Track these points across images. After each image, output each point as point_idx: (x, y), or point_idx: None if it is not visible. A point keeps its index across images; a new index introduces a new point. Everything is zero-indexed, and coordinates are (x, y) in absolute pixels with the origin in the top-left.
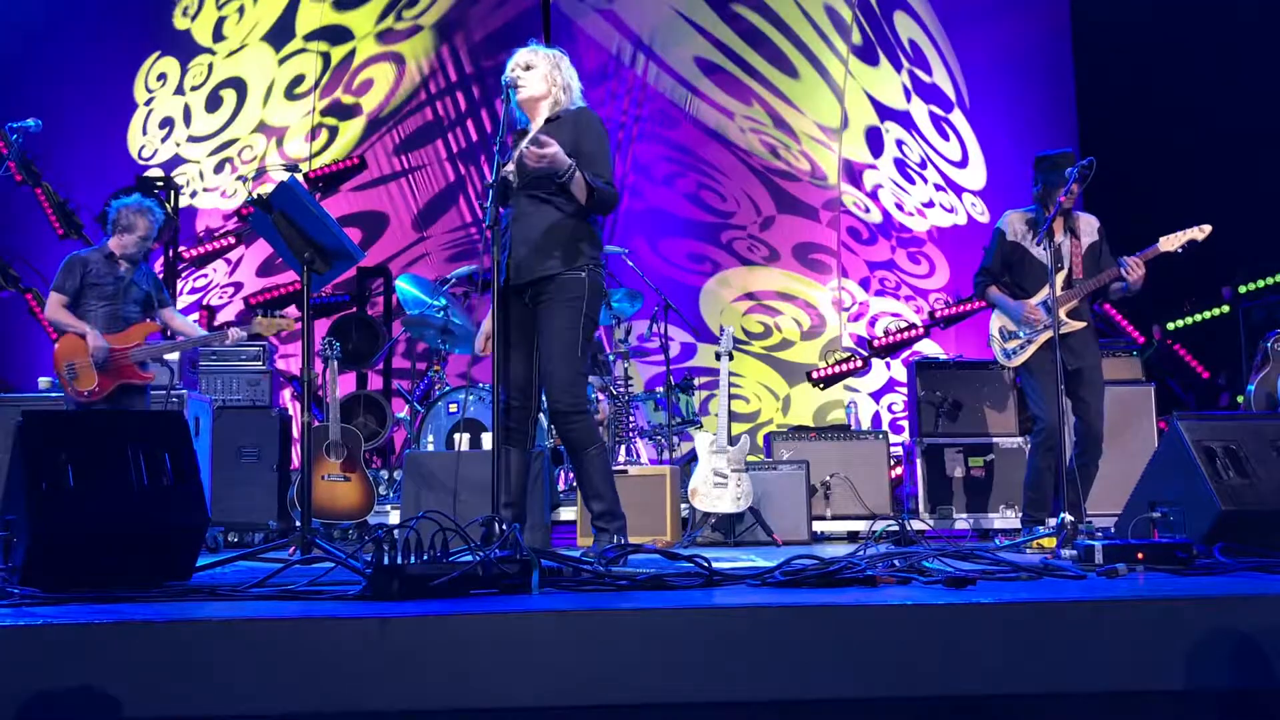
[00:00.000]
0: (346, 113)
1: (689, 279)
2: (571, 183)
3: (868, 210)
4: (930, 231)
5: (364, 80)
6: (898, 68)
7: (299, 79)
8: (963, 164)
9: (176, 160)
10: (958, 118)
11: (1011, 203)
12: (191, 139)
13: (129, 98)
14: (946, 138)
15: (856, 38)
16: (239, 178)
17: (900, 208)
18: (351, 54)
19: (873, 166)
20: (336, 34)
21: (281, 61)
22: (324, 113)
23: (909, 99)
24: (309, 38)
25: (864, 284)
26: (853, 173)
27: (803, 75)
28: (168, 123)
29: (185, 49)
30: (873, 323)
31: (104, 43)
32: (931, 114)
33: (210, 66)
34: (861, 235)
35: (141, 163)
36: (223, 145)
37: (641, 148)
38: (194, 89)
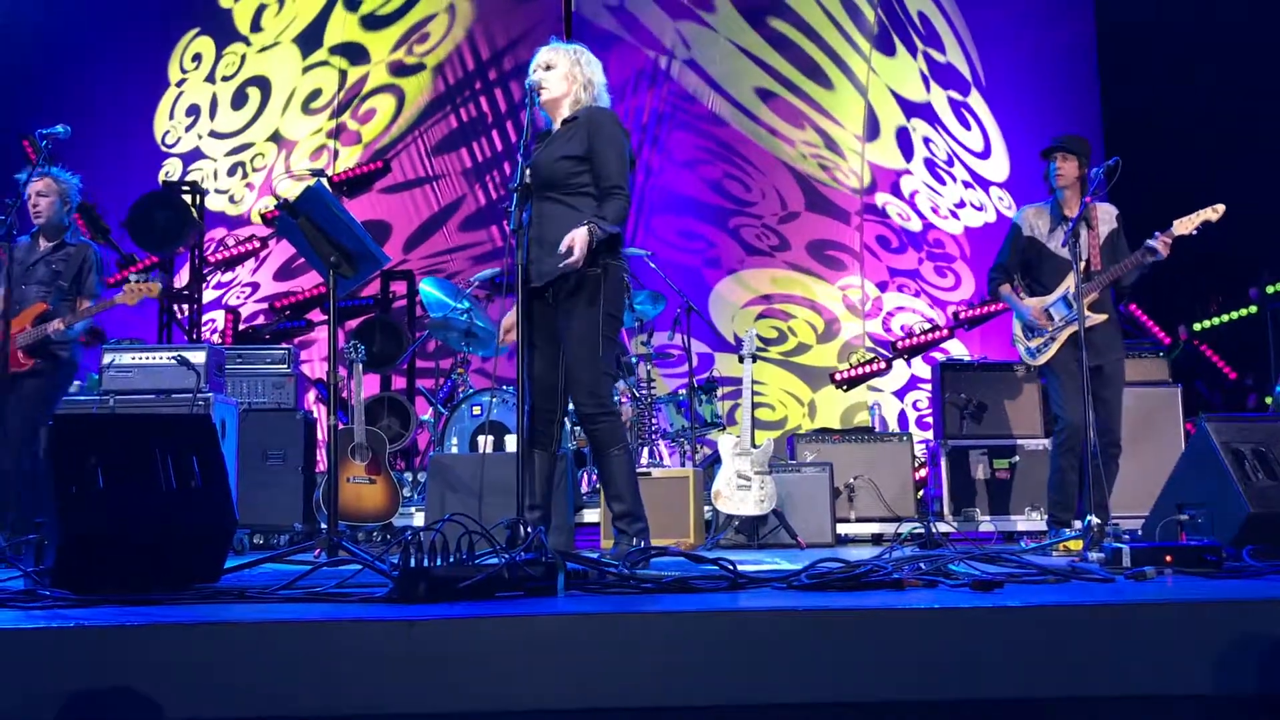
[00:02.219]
0: (349, 138)
1: (677, 256)
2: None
3: (909, 219)
4: (960, 243)
5: (369, 109)
6: (912, 51)
7: (316, 93)
8: (985, 154)
9: (196, 154)
10: (976, 101)
11: (1035, 190)
12: (213, 134)
13: (163, 75)
14: (968, 126)
15: (874, 26)
16: (247, 184)
17: (935, 210)
18: (364, 78)
19: (907, 172)
20: (356, 53)
21: (305, 70)
22: (330, 134)
23: (928, 87)
24: (333, 50)
25: (881, 286)
26: (892, 181)
27: (836, 85)
28: (194, 110)
29: (224, 31)
30: (887, 321)
31: (146, 7)
32: (951, 100)
33: (243, 58)
34: (891, 244)
35: (165, 149)
36: (239, 148)
37: (676, 135)
38: (224, 79)
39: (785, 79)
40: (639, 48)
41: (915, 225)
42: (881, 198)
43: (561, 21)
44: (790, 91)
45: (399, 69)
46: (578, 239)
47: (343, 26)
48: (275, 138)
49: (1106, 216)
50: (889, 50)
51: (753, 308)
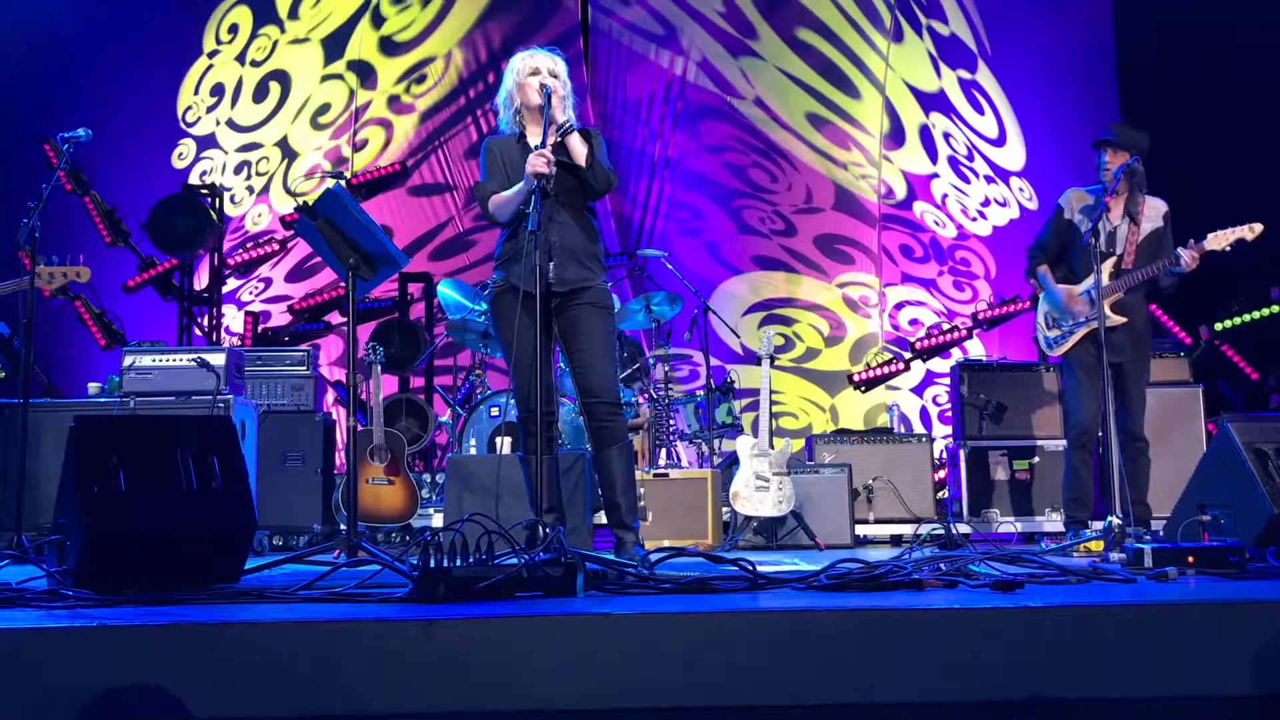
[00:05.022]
0: (341, 163)
1: (649, 220)
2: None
3: (944, 226)
4: (986, 262)
5: (363, 138)
6: (917, 28)
7: (326, 107)
8: (1000, 141)
9: (210, 140)
10: (984, 77)
11: (1053, 174)
12: (231, 123)
13: (197, 41)
14: (980, 110)
15: (889, 24)
16: (248, 186)
17: (964, 212)
18: (367, 104)
19: (935, 175)
20: (367, 74)
21: (323, 79)
22: (328, 154)
23: (938, 70)
24: (350, 65)
25: (888, 285)
26: (924, 188)
27: (863, 94)
28: (218, 91)
29: (263, 7)
30: (894, 317)
31: None
32: (960, 81)
33: (274, 45)
34: (914, 253)
35: (184, 126)
36: (249, 146)
37: (708, 123)
38: (254, 64)
39: (827, 99)
40: (661, 61)
41: (950, 231)
42: (920, 206)
43: (580, 35)
44: (832, 111)
45: (395, 104)
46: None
47: (363, 41)
48: (283, 144)
49: (1153, 213)
50: (899, 37)
51: (754, 314)
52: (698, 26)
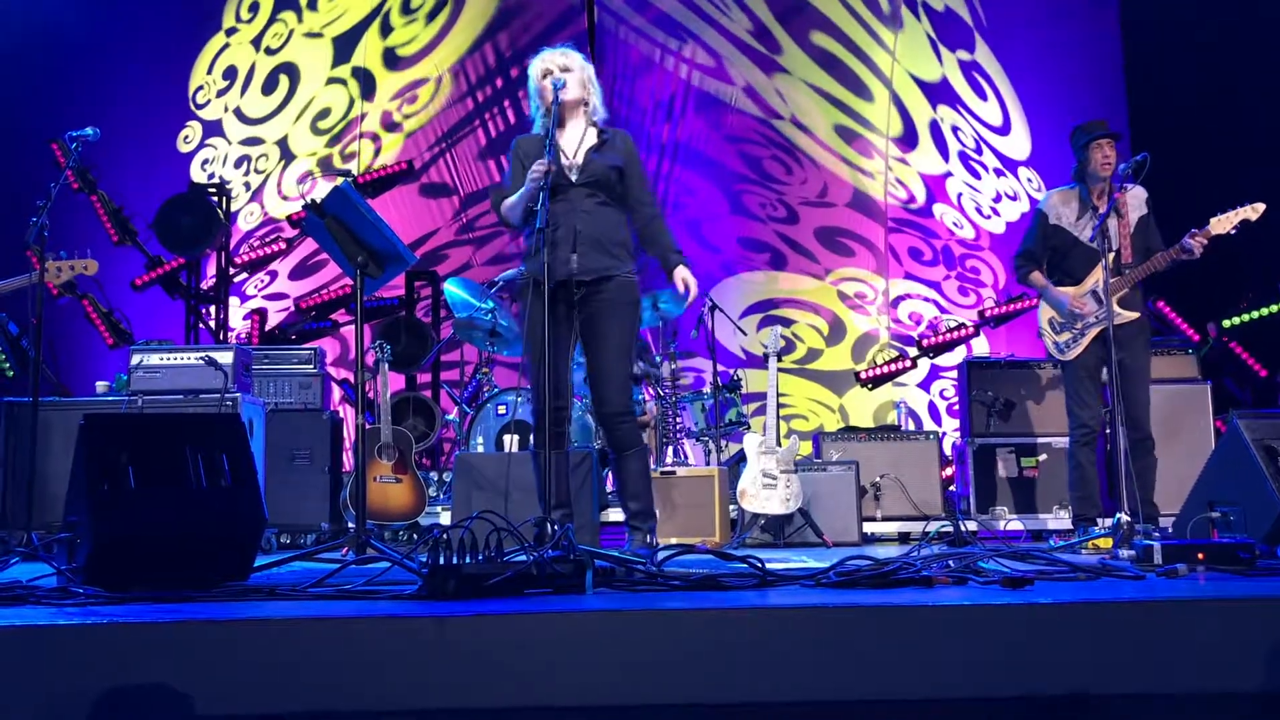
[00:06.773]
0: (332, 172)
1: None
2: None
3: (961, 227)
4: (995, 271)
5: (354, 150)
6: (913, 8)
7: (326, 112)
8: (1005, 129)
9: (216, 127)
10: (984, 55)
11: (1058, 161)
12: (238, 112)
13: (217, 15)
14: (984, 96)
15: (886, 5)
16: (245, 183)
17: (979, 210)
18: (363, 116)
19: (949, 174)
20: (369, 85)
21: (328, 81)
22: (320, 162)
23: (938, 55)
24: (354, 72)
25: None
26: (940, 189)
27: (874, 95)
28: (231, 74)
29: None
30: (893, 312)
31: None
32: (961, 64)
33: (290, 34)
34: (923, 256)
35: (194, 107)
36: (252, 140)
37: (731, 118)
38: (268, 51)
39: (848, 107)
40: (669, 66)
41: (968, 233)
42: (939, 209)
43: (587, 42)
44: (854, 120)
45: (387, 121)
46: (691, 280)
47: (369, 49)
48: (282, 144)
49: (1135, 202)
50: (899, 23)
51: (751, 316)
52: (738, 52)
